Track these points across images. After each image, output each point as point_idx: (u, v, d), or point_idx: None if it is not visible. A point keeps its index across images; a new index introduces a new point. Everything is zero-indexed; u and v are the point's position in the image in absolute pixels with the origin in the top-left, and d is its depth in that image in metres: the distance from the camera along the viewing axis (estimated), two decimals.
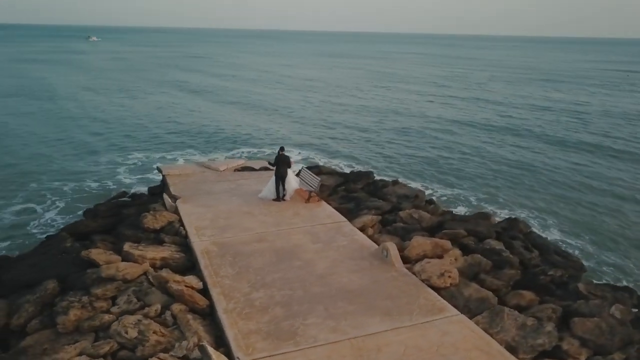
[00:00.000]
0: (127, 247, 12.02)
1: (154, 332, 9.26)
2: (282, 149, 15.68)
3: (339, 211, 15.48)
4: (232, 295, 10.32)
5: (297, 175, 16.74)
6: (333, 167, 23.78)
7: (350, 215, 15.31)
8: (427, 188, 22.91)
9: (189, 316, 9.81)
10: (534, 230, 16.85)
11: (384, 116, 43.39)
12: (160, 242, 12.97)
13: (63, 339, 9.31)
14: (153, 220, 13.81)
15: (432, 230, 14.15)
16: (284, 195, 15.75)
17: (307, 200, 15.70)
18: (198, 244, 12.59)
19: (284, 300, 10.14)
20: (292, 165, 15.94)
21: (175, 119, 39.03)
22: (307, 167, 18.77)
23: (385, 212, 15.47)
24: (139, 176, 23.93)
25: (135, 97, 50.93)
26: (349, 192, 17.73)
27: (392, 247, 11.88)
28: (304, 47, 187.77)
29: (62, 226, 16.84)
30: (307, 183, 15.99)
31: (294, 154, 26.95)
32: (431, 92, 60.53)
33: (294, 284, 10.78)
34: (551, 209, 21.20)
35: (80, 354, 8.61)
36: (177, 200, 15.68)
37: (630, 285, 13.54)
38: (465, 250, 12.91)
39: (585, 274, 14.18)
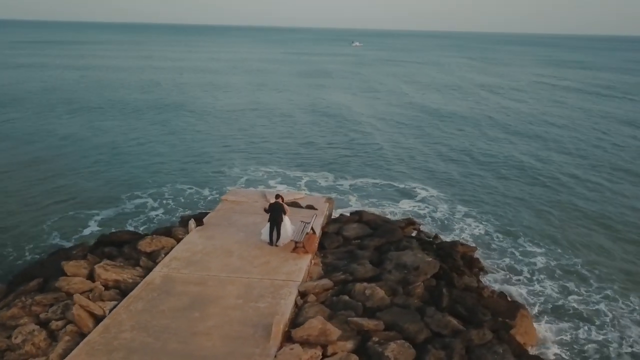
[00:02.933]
0: (99, 264, 14.68)
1: (33, 344, 11.62)
2: (277, 196, 16.28)
3: (325, 266, 15.38)
4: (110, 330, 11.94)
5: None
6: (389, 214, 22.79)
7: (326, 274, 15.09)
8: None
9: (68, 337, 11.84)
10: None
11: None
12: (137, 265, 15.30)
13: None
14: (147, 244, 16.25)
15: (372, 313, 13.02)
16: (277, 241, 16.32)
17: (293, 250, 15.98)
18: (152, 274, 14.50)
19: (138, 348, 11.25)
20: (287, 212, 16.33)
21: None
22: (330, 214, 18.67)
23: (350, 280, 14.66)
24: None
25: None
26: (362, 248, 17.08)
27: (276, 322, 11.71)
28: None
29: (154, 227, 20.95)
30: (297, 233, 16.23)
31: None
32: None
33: (165, 335, 11.77)
34: None
35: None
36: (196, 227, 17.78)
37: None
38: (364, 351, 11.58)
39: None
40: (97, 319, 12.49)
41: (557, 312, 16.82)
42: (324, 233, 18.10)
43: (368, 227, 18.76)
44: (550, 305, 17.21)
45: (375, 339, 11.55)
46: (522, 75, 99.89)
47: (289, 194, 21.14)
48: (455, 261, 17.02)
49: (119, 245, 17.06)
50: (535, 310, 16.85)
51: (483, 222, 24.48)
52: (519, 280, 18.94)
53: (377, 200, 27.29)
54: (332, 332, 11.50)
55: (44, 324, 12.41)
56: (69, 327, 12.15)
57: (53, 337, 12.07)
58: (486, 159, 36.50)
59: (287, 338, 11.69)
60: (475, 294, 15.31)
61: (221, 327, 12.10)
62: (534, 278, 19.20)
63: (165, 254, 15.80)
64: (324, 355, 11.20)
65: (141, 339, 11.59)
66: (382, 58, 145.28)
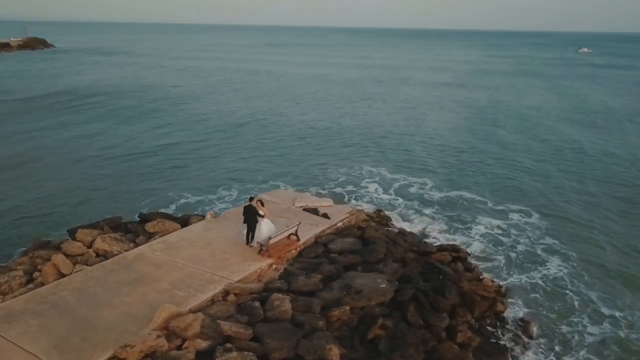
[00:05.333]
0: (102, 235, 17.75)
1: (8, 285, 15.02)
2: (250, 199, 17.17)
3: (284, 273, 15.89)
4: (57, 286, 14.64)
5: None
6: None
7: (277, 280, 15.61)
8: None
9: (31, 285, 14.95)
10: None
11: None
12: (133, 241, 17.97)
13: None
14: (152, 226, 18.78)
15: (269, 321, 13.17)
16: (251, 241, 17.27)
17: (259, 252, 16.76)
18: (132, 250, 16.93)
19: (59, 304, 13.66)
20: (265, 215, 17.04)
21: None
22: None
23: (284, 290, 14.79)
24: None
25: None
26: (332, 262, 16.82)
27: (160, 309, 12.91)
28: None
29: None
30: (267, 237, 16.84)
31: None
32: None
33: (87, 300, 13.95)
34: None
35: None
36: (209, 219, 19.77)
37: None
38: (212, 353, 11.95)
39: None
40: (62, 276, 15.29)
41: None
42: (315, 242, 18.21)
43: (361, 243, 18.18)
44: None
45: (228, 345, 11.82)
46: None
47: (314, 200, 21.55)
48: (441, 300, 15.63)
49: (142, 222, 19.92)
50: None
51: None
52: None
53: (448, 215, 26.44)
54: (192, 329, 12.16)
55: (30, 273, 15.73)
56: (38, 278, 15.21)
57: (28, 282, 15.27)
58: None
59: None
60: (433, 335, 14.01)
61: (131, 304, 13.73)
62: None
63: (161, 237, 18.04)
64: (179, 348, 11.95)
65: (69, 298, 13.94)
66: None
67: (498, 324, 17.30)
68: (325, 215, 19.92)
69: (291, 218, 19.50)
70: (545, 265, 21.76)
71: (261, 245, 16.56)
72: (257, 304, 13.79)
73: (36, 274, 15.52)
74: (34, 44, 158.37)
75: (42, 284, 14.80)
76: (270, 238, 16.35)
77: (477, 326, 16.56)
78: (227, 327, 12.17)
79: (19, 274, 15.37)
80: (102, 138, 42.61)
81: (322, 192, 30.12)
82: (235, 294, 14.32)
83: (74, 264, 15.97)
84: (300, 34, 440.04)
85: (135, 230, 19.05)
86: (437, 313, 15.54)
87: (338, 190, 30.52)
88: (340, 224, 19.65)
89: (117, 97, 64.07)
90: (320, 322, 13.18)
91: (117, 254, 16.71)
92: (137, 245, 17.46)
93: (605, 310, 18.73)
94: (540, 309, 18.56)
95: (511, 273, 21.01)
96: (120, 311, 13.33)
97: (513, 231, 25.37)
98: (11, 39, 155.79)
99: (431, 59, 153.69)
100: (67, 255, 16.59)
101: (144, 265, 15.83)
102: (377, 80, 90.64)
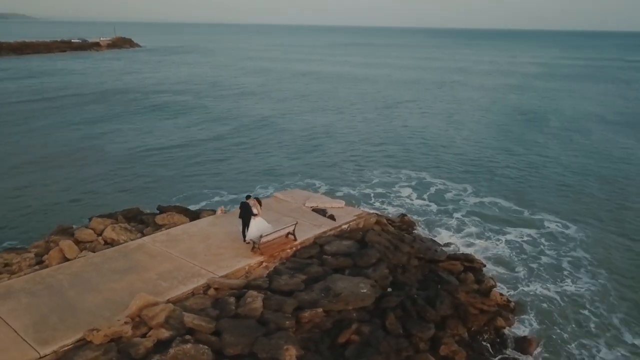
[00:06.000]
0: (113, 225, 18.79)
1: (19, 265, 16.31)
2: (247, 197, 17.47)
3: (274, 271, 16.11)
4: (57, 270, 15.70)
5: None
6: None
7: (265, 278, 15.85)
8: None
9: (37, 267, 16.14)
10: None
11: None
12: (141, 232, 18.87)
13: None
14: (162, 218, 19.62)
15: (238, 317, 13.43)
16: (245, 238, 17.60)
17: (252, 249, 17.06)
18: (135, 241, 17.78)
19: (54, 286, 14.67)
20: (259, 212, 17.27)
21: None
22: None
23: (264, 287, 14.95)
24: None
25: None
26: (321, 264, 16.77)
27: (136, 297, 13.52)
28: None
29: None
30: (259, 235, 17.08)
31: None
32: None
33: (78, 285, 14.86)
34: None
35: None
36: (218, 214, 20.34)
37: None
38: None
39: None
40: (66, 261, 16.38)
41: None
42: (313, 243, 18.22)
43: (359, 246, 17.96)
44: None
45: (187, 337, 12.16)
46: None
47: (325, 201, 21.51)
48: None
49: (159, 214, 20.84)
50: None
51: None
52: None
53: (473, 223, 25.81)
54: (158, 318, 12.62)
55: (41, 256, 16.96)
56: (45, 261, 16.39)
57: (37, 264, 16.49)
58: None
59: None
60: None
61: (116, 291, 14.44)
62: None
63: (167, 229, 18.82)
64: (144, 335, 12.46)
65: (64, 282, 14.89)
66: None
67: (497, 340, 16.53)
68: (331, 217, 19.83)
69: (296, 218, 19.61)
70: (569, 281, 20.58)
71: (253, 242, 16.80)
72: (232, 299, 14.04)
73: (45, 257, 16.68)
74: (121, 43, 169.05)
75: (47, 267, 15.89)
76: (261, 236, 16.54)
77: (469, 340, 15.88)
78: (190, 319, 12.51)
79: (31, 256, 16.62)
80: (156, 133, 44.90)
81: (352, 192, 30.09)
82: (216, 289, 14.64)
83: (82, 250, 16.98)
84: (359, 34, 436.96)
85: (147, 221, 19.95)
86: (422, 323, 15.06)
87: (367, 191, 30.37)
88: (345, 227, 19.49)
89: (181, 94, 67.08)
90: (287, 322, 13.20)
91: (123, 243, 17.58)
92: (143, 235, 18.28)
93: (627, 337, 17.43)
94: (552, 327, 17.57)
95: (529, 286, 20.15)
96: (103, 297, 14.05)
97: (543, 242, 24.20)
98: (101, 38, 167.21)
99: (506, 61, 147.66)
100: (78, 242, 17.71)
101: (141, 255, 16.57)
102: (441, 82, 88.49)
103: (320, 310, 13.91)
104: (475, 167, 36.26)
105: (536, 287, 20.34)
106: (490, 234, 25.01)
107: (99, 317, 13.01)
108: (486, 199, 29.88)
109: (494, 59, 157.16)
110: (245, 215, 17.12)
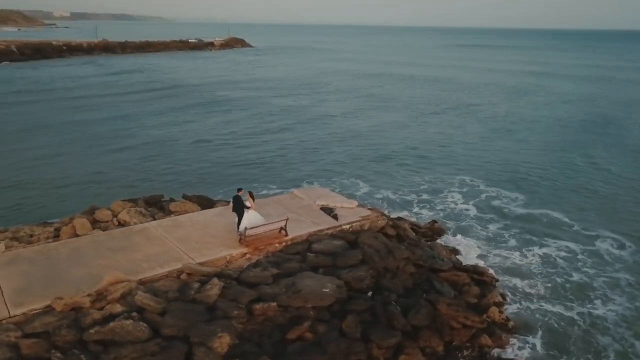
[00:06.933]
0: (129, 208, 20.36)
1: (39, 236, 18.34)
2: (238, 190, 18.03)
3: (255, 264, 16.59)
4: (63, 244, 17.44)
5: None
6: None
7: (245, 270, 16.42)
8: None
9: (50, 240, 18.05)
10: None
11: None
12: (153, 217, 20.27)
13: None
14: (175, 206, 20.83)
15: (193, 302, 14.08)
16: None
17: (239, 241, 17.66)
18: (142, 224, 19.15)
19: (53, 257, 16.34)
20: (251, 206, 17.79)
21: None
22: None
23: (233, 278, 15.40)
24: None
25: None
26: (302, 261, 16.88)
27: (109, 274, 14.69)
28: None
29: None
30: (246, 228, 17.56)
31: None
32: None
33: (73, 259, 16.38)
34: None
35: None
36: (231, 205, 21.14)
37: None
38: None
39: None
40: (75, 237, 18.13)
41: None
42: (305, 240, 18.34)
43: (349, 247, 17.76)
44: None
45: (134, 314, 12.99)
46: None
47: (336, 201, 21.44)
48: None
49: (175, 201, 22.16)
50: None
51: None
52: None
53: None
54: (115, 294, 13.62)
55: (59, 230, 18.89)
56: (61, 234, 18.26)
57: (54, 237, 18.41)
58: None
59: None
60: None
61: (100, 267, 15.61)
62: None
63: (176, 216, 20.04)
64: (101, 309, 13.52)
65: (63, 255, 16.44)
66: None
67: (478, 358, 15.59)
68: (334, 216, 19.79)
69: (301, 215, 19.85)
70: (598, 303, 18.84)
71: (240, 234, 17.34)
72: (196, 285, 14.69)
73: (61, 231, 18.59)
74: (233, 43, 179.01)
75: (58, 241, 17.72)
76: (245, 229, 17.02)
77: (444, 354, 15.15)
78: (140, 298, 13.33)
79: (50, 230, 18.61)
80: (232, 125, 47.42)
81: (391, 196, 29.55)
82: (188, 274, 15.38)
83: (95, 228, 18.67)
84: (461, 34, 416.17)
85: (164, 207, 21.32)
86: (388, 330, 14.64)
87: (411, 195, 29.73)
88: (346, 227, 19.34)
89: (261, 90, 69.77)
90: (235, 312, 13.55)
91: (133, 225, 19.02)
92: (153, 220, 19.60)
93: None
94: (559, 353, 16.09)
95: (547, 305, 18.86)
96: (88, 271, 15.37)
97: (584, 258, 22.26)
98: (216, 38, 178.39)
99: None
100: (96, 221, 19.47)
101: (140, 237, 17.82)
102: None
103: (274, 304, 14.06)
104: (539, 177, 33.83)
105: (555, 306, 18.81)
106: (526, 245, 23.47)
107: (74, 289, 14.26)
108: (537, 210, 27.84)
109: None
110: (238, 208, 17.69)
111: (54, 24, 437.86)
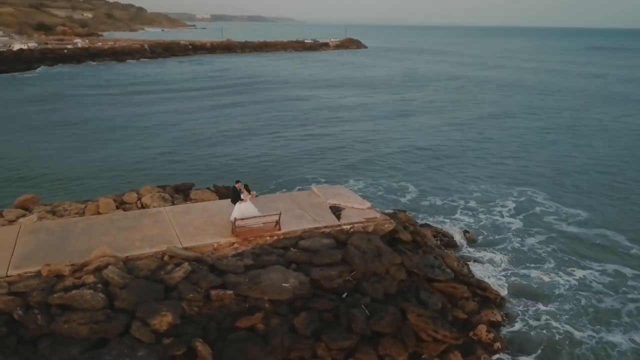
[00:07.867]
0: (154, 193, 22.07)
1: (71, 210, 20.66)
2: (236, 182, 18.73)
3: (241, 254, 17.36)
4: (82, 219, 19.49)
5: None
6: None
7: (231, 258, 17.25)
8: None
9: (77, 214, 20.26)
10: None
11: None
12: (173, 202, 21.78)
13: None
14: (195, 194, 22.13)
15: (159, 282, 15.09)
16: None
17: (232, 231, 18.43)
18: (158, 208, 20.67)
19: (68, 228, 18.38)
20: (246, 198, 18.44)
21: None
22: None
23: (207, 264, 16.16)
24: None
25: None
26: (281, 256, 17.14)
27: (97, 249, 16.26)
28: None
29: None
30: (237, 219, 18.21)
31: None
32: None
33: (85, 233, 18.21)
34: None
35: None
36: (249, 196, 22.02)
37: None
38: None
39: None
40: (98, 214, 20.14)
41: None
42: (298, 236, 18.56)
43: (335, 247, 17.66)
44: None
45: (98, 285, 14.26)
46: None
47: (348, 201, 21.29)
48: None
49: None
50: None
51: None
52: None
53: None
54: (92, 266, 15.03)
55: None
56: (85, 211, 20.38)
57: (80, 213, 20.61)
58: None
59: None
60: None
61: (100, 243, 17.03)
62: None
63: (192, 203, 21.37)
64: (79, 278, 15.01)
65: (77, 229, 18.29)
66: None
67: None
68: (338, 216, 19.75)
69: (307, 211, 20.11)
70: (615, 331, 16.78)
71: (232, 224, 18.07)
72: (170, 267, 15.66)
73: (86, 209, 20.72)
74: (348, 44, 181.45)
75: (82, 215, 19.82)
76: (235, 219, 17.71)
77: None
78: (107, 272, 14.57)
79: (81, 207, 20.82)
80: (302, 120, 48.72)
81: (438, 203, 28.65)
82: (170, 257, 16.43)
83: (118, 208, 20.57)
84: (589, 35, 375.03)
85: (188, 195, 22.76)
86: (343, 332, 14.50)
87: (456, 202, 28.57)
88: (347, 227, 19.21)
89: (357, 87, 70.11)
90: (190, 295, 14.28)
91: (150, 209, 20.62)
92: (172, 205, 21.07)
93: None
94: None
95: (554, 330, 17.23)
96: (88, 245, 16.98)
97: (629, 282, 19.84)
98: (331, 39, 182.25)
99: None
100: (123, 202, 21.40)
101: (150, 220, 19.27)
102: None
103: (230, 292, 14.55)
104: (616, 195, 30.42)
105: (565, 332, 17.12)
106: (563, 265, 21.64)
107: (68, 259, 15.95)
108: (594, 230, 25.23)
109: None
110: (234, 198, 18.44)
111: (194, 25, 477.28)
